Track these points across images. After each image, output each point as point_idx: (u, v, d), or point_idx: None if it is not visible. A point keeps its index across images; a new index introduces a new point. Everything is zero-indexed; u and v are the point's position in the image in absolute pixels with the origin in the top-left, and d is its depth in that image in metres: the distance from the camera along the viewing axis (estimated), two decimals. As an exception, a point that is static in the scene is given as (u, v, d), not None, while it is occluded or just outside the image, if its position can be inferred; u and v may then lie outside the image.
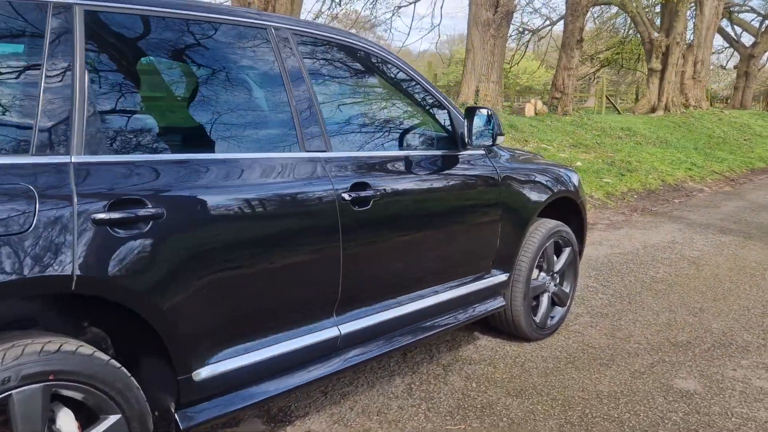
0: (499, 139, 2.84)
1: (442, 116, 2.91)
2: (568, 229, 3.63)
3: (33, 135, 1.60)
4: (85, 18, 1.76)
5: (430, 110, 2.90)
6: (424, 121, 2.90)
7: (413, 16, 61.22)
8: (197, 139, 1.99)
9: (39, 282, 1.52)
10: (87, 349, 1.66)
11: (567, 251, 3.66)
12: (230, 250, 1.93)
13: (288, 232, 2.10)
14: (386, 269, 2.53)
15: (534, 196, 3.29)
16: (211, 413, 1.99)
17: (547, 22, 28.17)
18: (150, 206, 1.74)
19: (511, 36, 29.81)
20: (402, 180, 2.54)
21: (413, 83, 2.78)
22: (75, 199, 1.60)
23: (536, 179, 3.35)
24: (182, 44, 2.00)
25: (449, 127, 2.92)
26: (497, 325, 3.53)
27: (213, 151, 1.99)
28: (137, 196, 1.73)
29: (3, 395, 1.49)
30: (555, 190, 3.46)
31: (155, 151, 1.85)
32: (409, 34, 25.71)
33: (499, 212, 3.05)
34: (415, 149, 2.79)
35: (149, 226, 1.74)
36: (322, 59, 2.48)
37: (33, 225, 1.51)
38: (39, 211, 1.53)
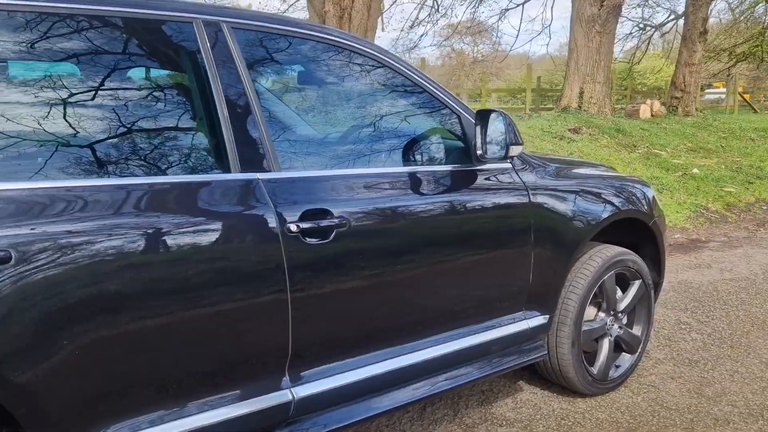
0: (515, 150, 2.24)
1: (452, 124, 2.36)
2: (636, 257, 2.91)
3: None
4: None
5: (434, 117, 2.36)
6: (425, 131, 2.37)
7: (521, 19, 59.01)
8: (77, 161, 1.60)
9: None
10: None
11: (636, 285, 2.94)
12: (117, 298, 1.53)
13: (204, 275, 1.67)
14: (359, 317, 2.02)
15: (583, 217, 2.64)
16: None
17: (672, 17, 25.94)
18: (-11, 249, 1.38)
19: (631, 33, 27.79)
20: (384, 204, 2.03)
21: (408, 84, 2.25)
22: None
23: (587, 196, 2.69)
24: (70, 46, 1.63)
25: (462, 138, 2.37)
26: (546, 375, 2.89)
27: (98, 176, 1.60)
28: None
29: None
30: (617, 210, 2.78)
31: (7, 178, 1.49)
32: (517, 38, 24.70)
33: (530, 239, 2.44)
34: (409, 165, 2.27)
35: (-11, 273, 1.37)
36: (278, 59, 2.03)
37: None
38: None
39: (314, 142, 2.09)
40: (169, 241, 1.60)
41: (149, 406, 1.65)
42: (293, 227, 1.80)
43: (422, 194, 2.16)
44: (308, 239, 1.83)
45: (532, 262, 2.46)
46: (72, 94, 1.62)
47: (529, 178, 2.51)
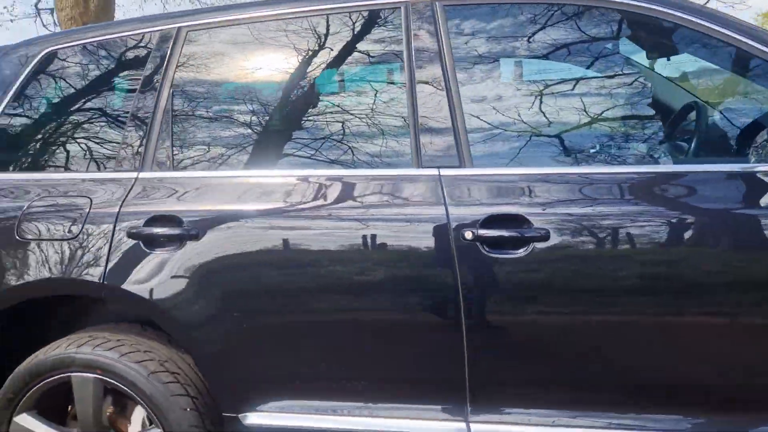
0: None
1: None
2: None
3: None
4: None
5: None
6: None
7: None
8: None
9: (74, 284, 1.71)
10: (135, 356, 1.73)
11: None
12: (263, 294, 1.63)
13: (366, 282, 1.58)
14: (573, 360, 1.53)
15: None
16: None
17: None
18: (186, 225, 1.66)
19: None
20: (622, 218, 1.47)
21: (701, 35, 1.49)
22: (118, 216, 1.71)
23: None
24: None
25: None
26: None
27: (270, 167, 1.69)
28: (172, 214, 1.68)
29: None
30: None
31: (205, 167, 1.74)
32: None
33: None
34: (684, 163, 1.54)
35: (183, 246, 1.66)
36: (504, 37, 1.66)
37: (80, 231, 1.72)
38: (88, 220, 1.72)
39: (529, 135, 1.66)
40: (339, 238, 1.58)
41: (294, 392, 1.68)
42: (468, 234, 1.50)
43: (710, 209, 1.45)
44: (489, 250, 1.50)
45: None
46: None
47: None
